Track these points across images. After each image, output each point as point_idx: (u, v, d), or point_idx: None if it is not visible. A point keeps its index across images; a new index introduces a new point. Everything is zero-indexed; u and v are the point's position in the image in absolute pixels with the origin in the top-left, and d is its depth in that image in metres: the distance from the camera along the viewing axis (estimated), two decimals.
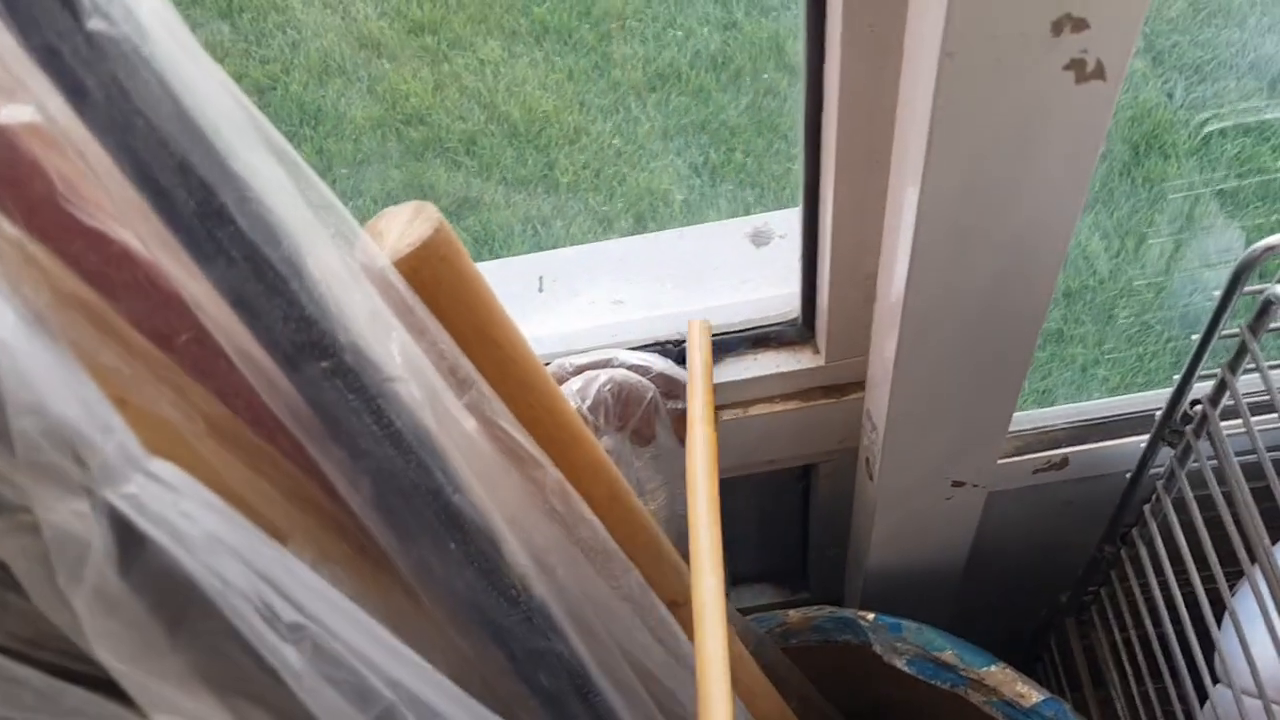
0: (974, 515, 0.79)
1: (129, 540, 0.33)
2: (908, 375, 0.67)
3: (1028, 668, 1.02)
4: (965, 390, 0.68)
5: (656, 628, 0.59)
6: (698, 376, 0.70)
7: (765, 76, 1.68)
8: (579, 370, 0.68)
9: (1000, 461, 0.77)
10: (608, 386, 0.65)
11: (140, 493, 0.34)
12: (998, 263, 0.59)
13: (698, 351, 0.72)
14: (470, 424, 0.48)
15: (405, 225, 0.48)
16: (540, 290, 0.82)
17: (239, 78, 1.69)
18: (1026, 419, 0.79)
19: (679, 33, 1.73)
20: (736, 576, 1.07)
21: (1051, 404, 0.78)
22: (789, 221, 0.83)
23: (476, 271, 0.50)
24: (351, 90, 1.68)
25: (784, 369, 0.76)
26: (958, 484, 0.75)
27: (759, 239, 0.82)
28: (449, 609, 0.48)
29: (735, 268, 0.81)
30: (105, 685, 0.37)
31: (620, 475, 0.59)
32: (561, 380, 0.68)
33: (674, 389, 0.70)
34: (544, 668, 0.51)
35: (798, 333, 0.76)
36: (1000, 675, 0.79)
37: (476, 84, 1.69)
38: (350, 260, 0.45)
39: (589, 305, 0.80)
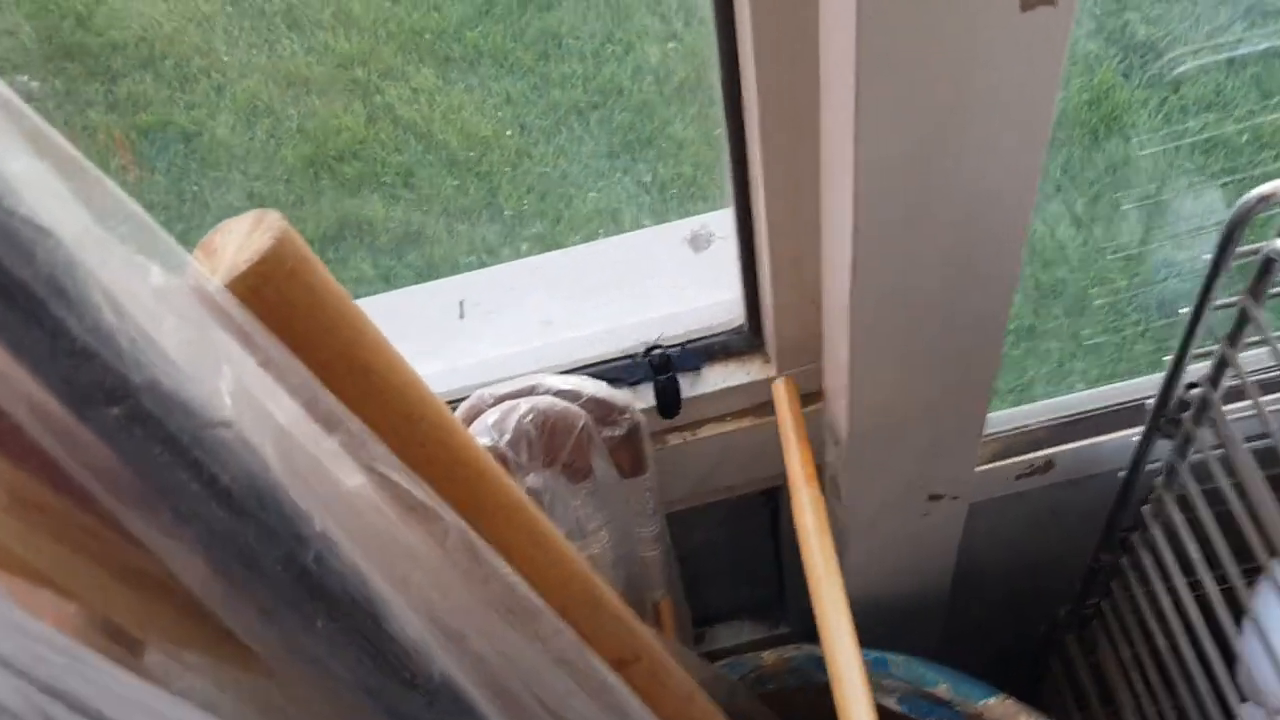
0: (955, 531, 0.71)
1: None
2: (866, 380, 0.60)
3: (1030, 691, 0.94)
4: (931, 391, 0.60)
5: (599, 692, 0.51)
6: (791, 436, 0.63)
7: (709, 86, 1.62)
8: (499, 401, 0.60)
9: (979, 469, 0.69)
10: (529, 417, 0.58)
11: None
12: (951, 244, 0.51)
13: (786, 411, 0.65)
14: (341, 472, 0.40)
15: (243, 239, 0.40)
16: (461, 316, 0.74)
17: (164, 125, 1.61)
18: (1004, 419, 0.72)
19: (618, 48, 1.67)
20: (709, 615, 0.99)
21: (1030, 401, 0.71)
22: (729, 222, 0.76)
23: (337, 288, 0.42)
24: (281, 130, 1.61)
25: (733, 382, 0.68)
26: (934, 497, 0.68)
27: (698, 242, 0.75)
28: (334, 698, 0.40)
29: (674, 275, 0.73)
30: None
31: (542, 517, 0.51)
32: (477, 414, 0.60)
33: (609, 414, 0.62)
34: None
35: (745, 341, 0.69)
36: (1001, 708, 0.72)
37: (411, 114, 1.62)
38: (167, 283, 0.37)
39: (514, 329, 0.72)
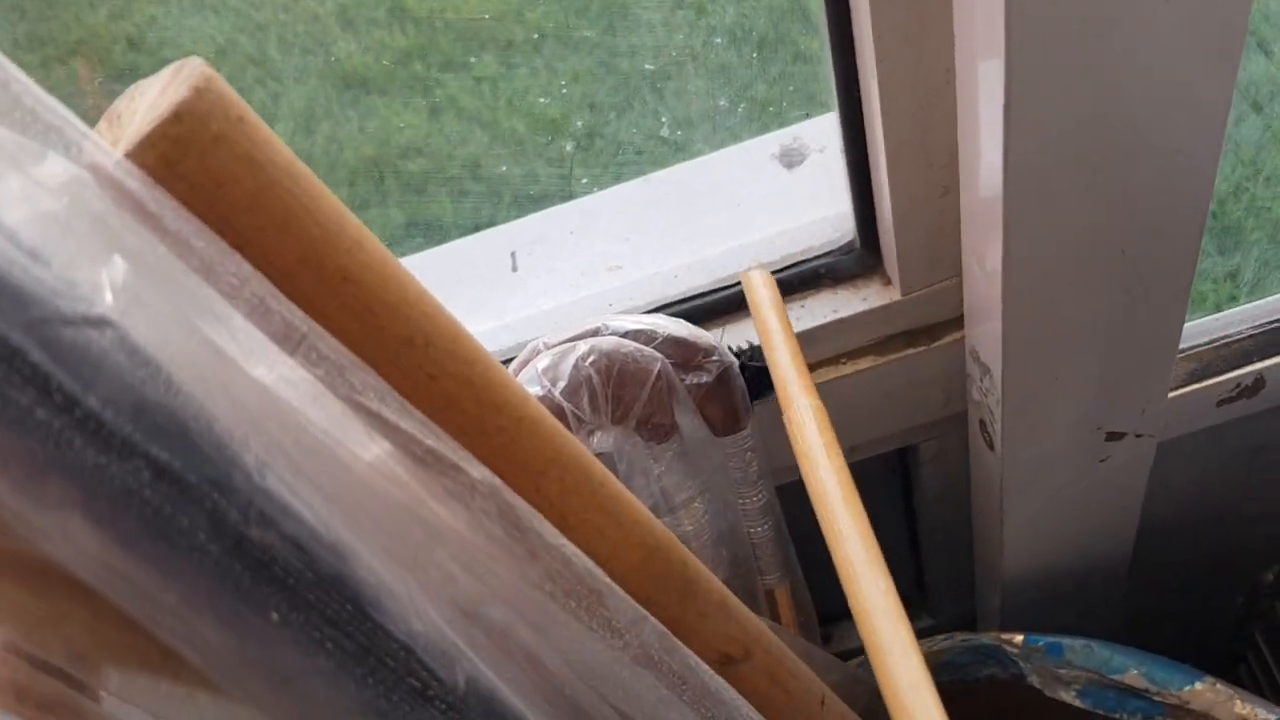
0: (1140, 479, 0.57)
1: None
2: (1024, 291, 0.46)
3: (1227, 673, 0.79)
4: (1111, 300, 0.47)
5: (701, 701, 0.39)
6: (777, 339, 0.49)
7: (793, 41, 1.49)
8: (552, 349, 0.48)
9: (1171, 395, 0.55)
10: (589, 359, 0.46)
11: None
12: (1132, 104, 0.38)
13: (768, 309, 0.51)
14: (308, 407, 0.29)
15: (156, 97, 0.29)
16: (514, 269, 0.63)
17: None
18: (1200, 330, 0.57)
19: (689, 12, 1.55)
20: (834, 612, 0.85)
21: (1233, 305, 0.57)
22: (825, 131, 0.63)
23: (293, 163, 0.31)
24: (341, 133, 1.53)
25: (846, 313, 0.55)
26: (1114, 436, 0.54)
27: (790, 158, 0.62)
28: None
29: (763, 199, 0.61)
30: None
31: (611, 478, 0.39)
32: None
33: (692, 357, 0.50)
34: None
35: (857, 261, 0.56)
36: (1210, 694, 0.57)
37: (475, 104, 1.53)
38: (63, 171, 0.27)
39: (578, 277, 0.61)
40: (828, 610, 0.82)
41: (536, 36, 1.58)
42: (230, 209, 0.29)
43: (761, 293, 0.52)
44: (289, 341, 0.29)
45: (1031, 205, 0.42)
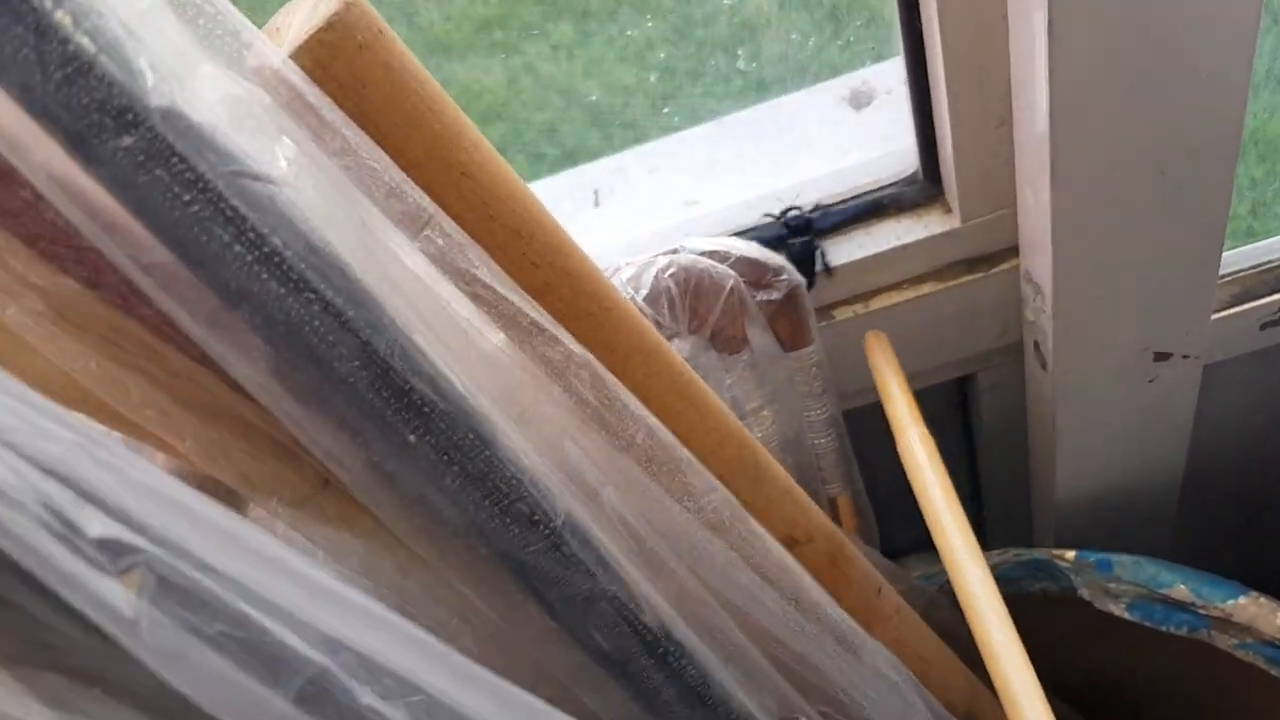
0: (1189, 400, 0.60)
1: None
2: (1071, 216, 0.50)
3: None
4: (1152, 222, 0.50)
5: (766, 567, 0.43)
6: (891, 385, 0.56)
7: (867, 4, 1.51)
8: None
9: (1215, 317, 0.58)
10: (669, 271, 0.50)
11: None
12: (1165, 31, 0.42)
13: (884, 363, 0.57)
14: (431, 278, 0.34)
15: (309, 12, 0.34)
16: (596, 205, 0.67)
17: None
18: (1242, 256, 0.60)
19: None
20: (895, 547, 0.89)
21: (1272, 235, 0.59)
22: (892, 74, 0.67)
23: (424, 74, 0.35)
24: None
25: (908, 239, 0.59)
26: (1161, 356, 0.57)
27: (859, 100, 0.66)
28: (441, 544, 0.34)
29: (834, 138, 0.65)
30: None
31: (689, 370, 0.44)
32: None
33: (762, 276, 0.54)
34: (595, 620, 0.36)
35: (920, 191, 0.59)
36: (1253, 608, 0.60)
37: (552, 70, 1.57)
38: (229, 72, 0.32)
39: (656, 211, 0.65)
40: (885, 548, 0.86)
41: (613, 5, 1.62)
42: (370, 106, 0.34)
43: (877, 350, 0.57)
44: (418, 221, 0.34)
45: (1075, 132, 0.46)
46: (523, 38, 1.65)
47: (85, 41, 0.24)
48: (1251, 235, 1.29)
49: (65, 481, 0.23)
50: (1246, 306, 0.59)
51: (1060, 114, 0.45)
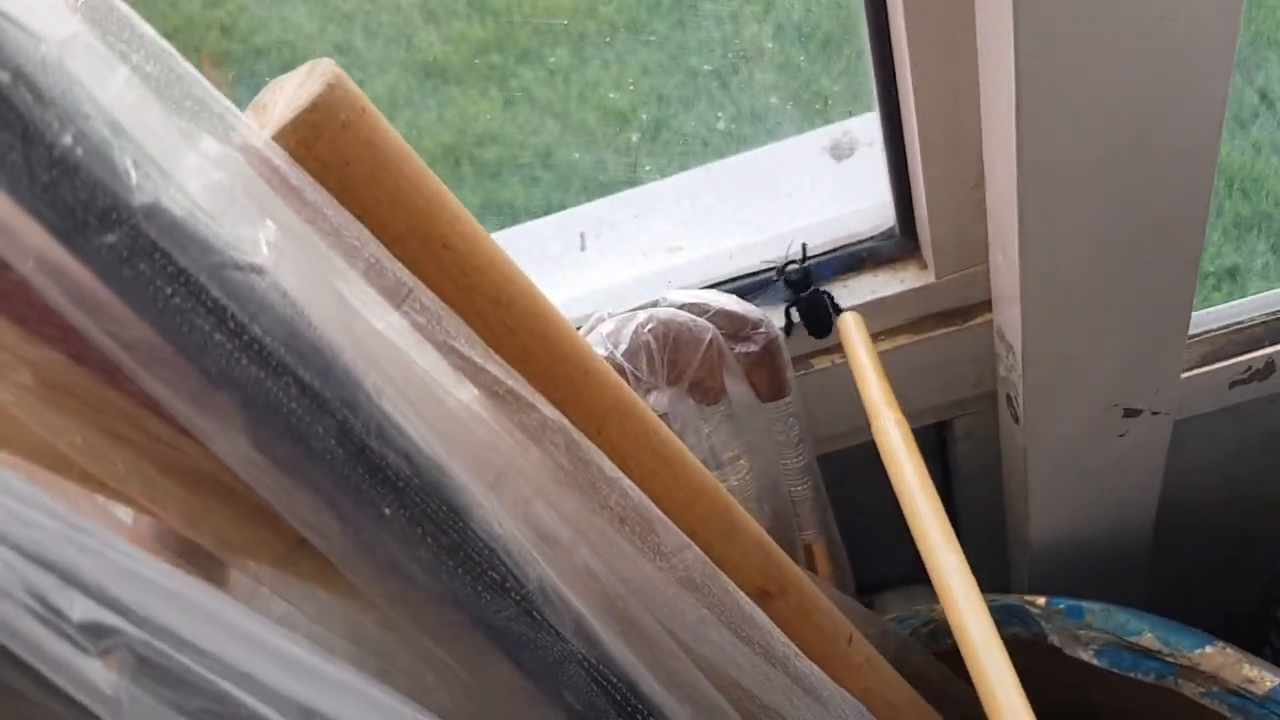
0: (1158, 454, 0.61)
1: None
2: (1039, 278, 0.51)
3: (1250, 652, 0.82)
4: (1121, 288, 0.51)
5: (738, 624, 0.44)
6: (866, 369, 0.56)
7: (860, 37, 1.53)
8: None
9: (1185, 375, 0.59)
10: (649, 326, 0.51)
11: None
12: (1133, 110, 0.43)
13: (858, 345, 0.57)
14: (410, 349, 0.35)
15: (294, 91, 0.35)
16: (582, 249, 0.68)
17: None
18: (1212, 317, 0.61)
19: (757, 8, 1.59)
20: (872, 582, 0.90)
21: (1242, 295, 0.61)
22: (874, 126, 0.68)
23: (406, 149, 0.37)
24: (421, 120, 1.60)
25: (885, 293, 0.60)
26: (1131, 412, 0.58)
27: (840, 151, 0.67)
28: (414, 608, 0.35)
29: (815, 189, 0.66)
30: None
31: (664, 427, 0.45)
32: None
33: (741, 328, 0.55)
34: (566, 681, 0.37)
35: (897, 246, 0.61)
36: (1219, 657, 0.61)
37: (548, 95, 1.59)
38: (220, 151, 0.33)
39: (640, 257, 0.66)
40: (863, 583, 0.87)
41: (609, 31, 1.64)
42: (353, 184, 0.35)
43: (852, 331, 0.58)
44: (397, 295, 0.35)
45: (1043, 202, 0.47)
46: (519, 62, 1.67)
47: (70, 144, 0.25)
48: (1235, 274, 1.30)
49: (49, 567, 0.24)
50: (1216, 366, 0.60)
51: (1028, 184, 0.46)
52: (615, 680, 0.37)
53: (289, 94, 0.35)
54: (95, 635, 0.24)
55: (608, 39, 1.65)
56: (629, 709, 0.38)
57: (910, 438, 0.52)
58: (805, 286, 0.60)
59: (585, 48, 1.69)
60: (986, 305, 0.60)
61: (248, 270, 0.29)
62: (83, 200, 0.25)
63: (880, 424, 0.53)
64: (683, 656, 0.43)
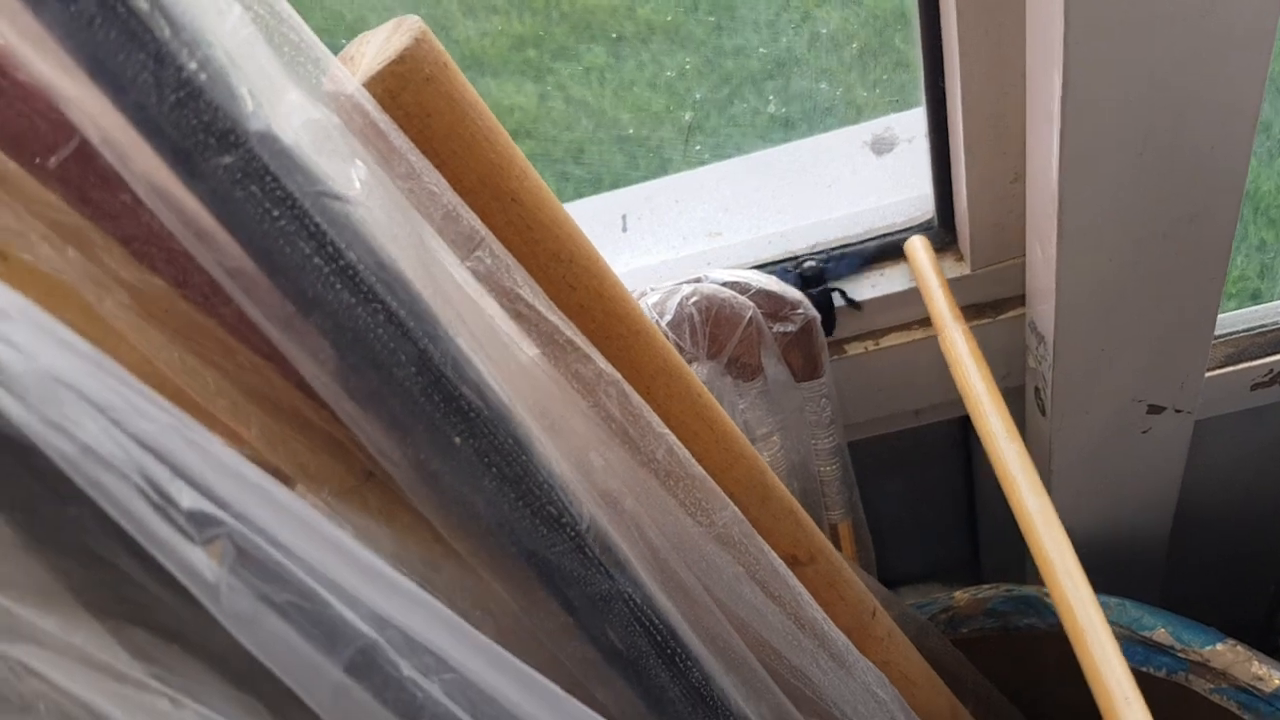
0: (1179, 452, 0.63)
1: None
2: (1076, 274, 0.53)
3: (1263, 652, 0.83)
4: (1153, 282, 0.53)
5: (769, 582, 0.46)
6: (933, 285, 0.59)
7: (895, 48, 1.55)
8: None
9: (1208, 375, 0.61)
10: (693, 299, 0.53)
11: None
12: (1173, 103, 0.45)
13: (926, 263, 0.59)
14: (478, 295, 0.37)
15: (382, 44, 0.37)
16: (624, 230, 0.70)
17: None
18: (1236, 320, 0.63)
19: (794, 16, 1.61)
20: (892, 577, 0.92)
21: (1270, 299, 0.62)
22: (915, 123, 0.70)
23: (481, 105, 0.39)
24: None
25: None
26: (1155, 409, 0.60)
27: (881, 146, 0.69)
28: (474, 539, 0.37)
29: (854, 181, 0.68)
30: None
31: (707, 392, 0.47)
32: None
33: (780, 309, 0.57)
34: (611, 619, 0.38)
35: (934, 237, 0.62)
36: (1229, 654, 0.63)
37: (582, 92, 1.61)
38: (305, 96, 0.35)
39: (681, 240, 0.68)
40: (883, 578, 0.89)
41: (646, 32, 1.66)
42: (433, 134, 0.37)
43: (920, 255, 0.60)
44: (470, 242, 0.37)
45: (1084, 193, 0.49)
46: (556, 59, 1.69)
47: (196, 69, 0.27)
48: (1258, 297, 1.32)
49: (160, 457, 0.26)
50: (1239, 367, 0.61)
51: (1070, 176, 0.48)
52: (657, 622, 0.39)
53: (376, 46, 0.37)
54: (201, 524, 0.26)
55: (644, 39, 1.67)
56: (668, 651, 0.40)
57: (976, 347, 0.56)
58: (818, 283, 0.62)
59: (622, 48, 1.71)
60: (1018, 300, 0.62)
61: (345, 201, 0.31)
62: (205, 121, 0.27)
63: (948, 335, 0.56)
64: (717, 612, 0.45)
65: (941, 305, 0.57)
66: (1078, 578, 0.48)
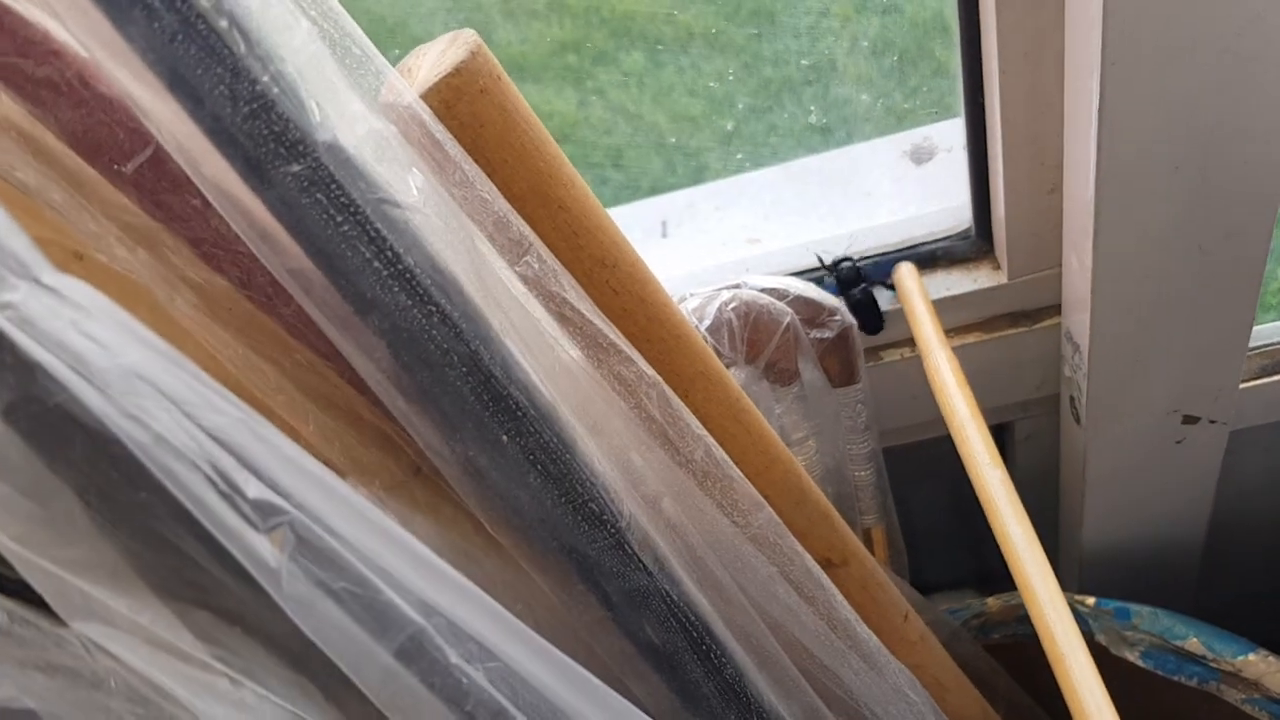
0: (1214, 463, 0.63)
1: (8, 366, 0.25)
2: (1112, 284, 0.53)
3: None
4: (1189, 294, 0.53)
5: (804, 584, 0.47)
6: (920, 310, 0.59)
7: (934, 57, 1.55)
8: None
9: (1242, 386, 0.61)
10: (731, 305, 0.54)
11: (24, 304, 0.25)
12: (1207, 124, 0.45)
13: (913, 289, 0.60)
14: (527, 300, 0.38)
15: (438, 57, 0.38)
16: (664, 236, 0.72)
17: None
18: (1272, 331, 0.63)
19: (834, 22, 1.62)
20: (925, 584, 0.92)
21: None
22: (955, 133, 0.70)
23: (532, 116, 0.40)
24: None
25: (958, 291, 0.63)
26: (1190, 419, 0.60)
27: (920, 155, 0.70)
28: (517, 534, 0.38)
29: (893, 190, 0.69)
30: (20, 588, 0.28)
31: (745, 396, 0.48)
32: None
33: (817, 315, 0.58)
34: (648, 614, 0.40)
35: (971, 247, 0.63)
36: (1261, 665, 0.63)
37: (621, 97, 1.62)
38: (365, 106, 0.36)
39: (720, 246, 0.69)
40: (916, 585, 0.89)
41: (685, 38, 1.68)
42: (485, 143, 0.38)
43: (906, 281, 0.61)
44: (519, 247, 0.38)
45: (1120, 205, 0.49)
46: (595, 63, 1.71)
47: (269, 82, 0.29)
48: None
49: (228, 448, 0.27)
50: (1274, 379, 0.62)
51: (1106, 188, 0.48)
52: (693, 619, 0.40)
53: (432, 59, 0.39)
54: (265, 513, 0.28)
55: (684, 46, 1.69)
56: (703, 647, 0.41)
57: (960, 373, 0.56)
58: (855, 284, 0.63)
59: (661, 53, 1.72)
60: (1054, 309, 0.62)
61: (404, 208, 0.32)
62: (276, 131, 0.28)
63: (933, 360, 0.56)
64: (750, 611, 0.46)
65: (928, 330, 0.58)
66: (1060, 608, 0.49)
